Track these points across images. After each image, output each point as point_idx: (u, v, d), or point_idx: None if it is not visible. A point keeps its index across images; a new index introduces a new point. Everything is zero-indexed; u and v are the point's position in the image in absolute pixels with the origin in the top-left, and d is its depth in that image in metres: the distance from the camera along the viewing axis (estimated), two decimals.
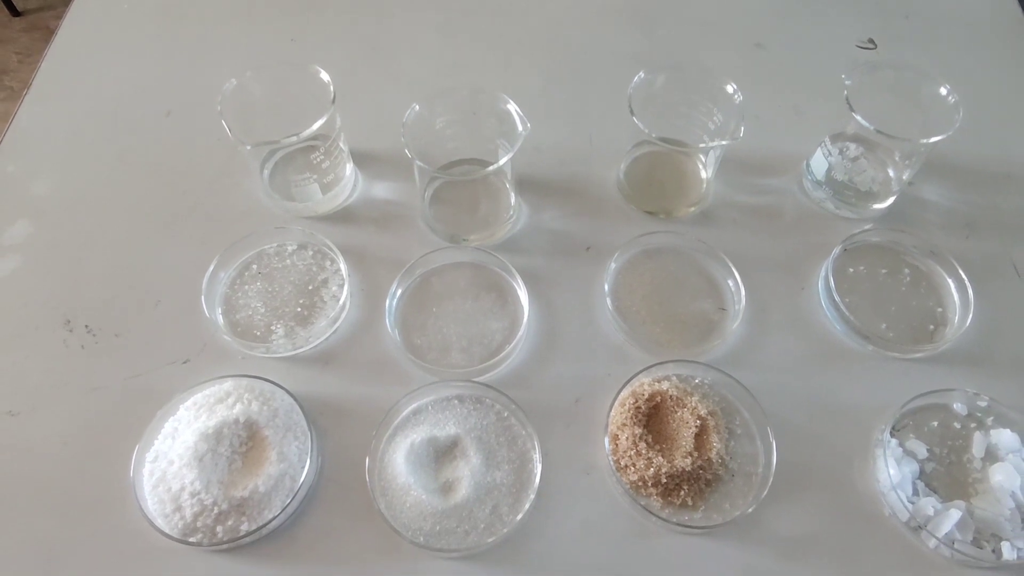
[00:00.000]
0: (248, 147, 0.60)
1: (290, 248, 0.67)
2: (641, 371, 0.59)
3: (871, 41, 0.82)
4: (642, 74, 0.64)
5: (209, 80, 0.79)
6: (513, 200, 0.68)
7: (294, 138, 0.61)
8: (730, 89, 0.63)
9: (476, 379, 0.60)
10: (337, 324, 0.63)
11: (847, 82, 0.63)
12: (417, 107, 0.62)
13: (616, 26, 0.85)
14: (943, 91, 0.62)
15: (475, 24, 0.85)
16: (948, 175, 0.72)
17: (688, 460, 0.55)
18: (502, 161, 0.59)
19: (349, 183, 0.70)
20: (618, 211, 0.70)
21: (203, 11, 0.86)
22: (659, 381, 0.59)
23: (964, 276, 0.64)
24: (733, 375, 0.59)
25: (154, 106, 0.77)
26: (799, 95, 0.78)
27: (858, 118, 0.61)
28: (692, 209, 0.70)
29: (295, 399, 0.58)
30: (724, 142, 0.61)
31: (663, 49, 0.83)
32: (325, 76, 0.63)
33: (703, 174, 0.70)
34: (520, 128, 0.60)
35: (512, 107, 0.61)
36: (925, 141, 0.60)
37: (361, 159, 0.73)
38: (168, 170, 0.73)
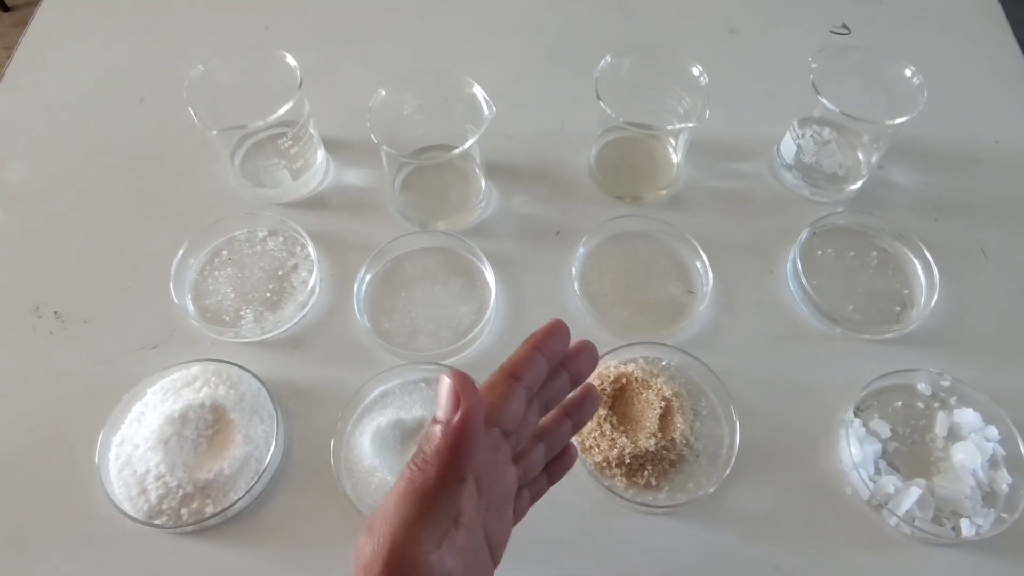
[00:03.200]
0: (215, 132, 0.60)
1: (261, 234, 0.67)
2: (607, 353, 0.59)
3: (844, 26, 0.82)
4: (608, 58, 0.64)
5: (183, 68, 0.78)
6: (483, 185, 0.68)
7: (261, 123, 0.61)
8: (695, 71, 0.63)
9: (443, 362, 0.60)
10: (306, 309, 0.64)
11: (813, 65, 0.63)
12: (383, 92, 0.62)
13: (591, 12, 0.85)
14: (908, 73, 0.62)
15: (452, 10, 0.85)
16: (919, 159, 0.72)
17: (652, 441, 0.55)
18: (467, 144, 0.59)
19: (320, 169, 0.71)
20: (588, 196, 0.70)
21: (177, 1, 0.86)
22: (625, 364, 0.60)
23: (930, 258, 0.64)
24: (699, 357, 0.59)
25: (128, 93, 0.77)
26: (772, 80, 0.78)
27: (823, 101, 0.61)
28: (663, 193, 0.70)
29: (262, 383, 0.58)
30: (690, 125, 0.61)
31: (638, 35, 0.83)
32: (292, 61, 0.63)
33: (673, 158, 0.70)
34: (486, 112, 0.60)
35: (478, 91, 0.61)
36: (890, 123, 0.60)
37: (333, 146, 0.73)
38: (140, 157, 0.73)
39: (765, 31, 0.83)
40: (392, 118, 0.64)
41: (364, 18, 0.84)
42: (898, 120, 0.60)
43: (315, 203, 0.70)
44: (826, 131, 0.69)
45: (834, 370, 0.61)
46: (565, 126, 0.75)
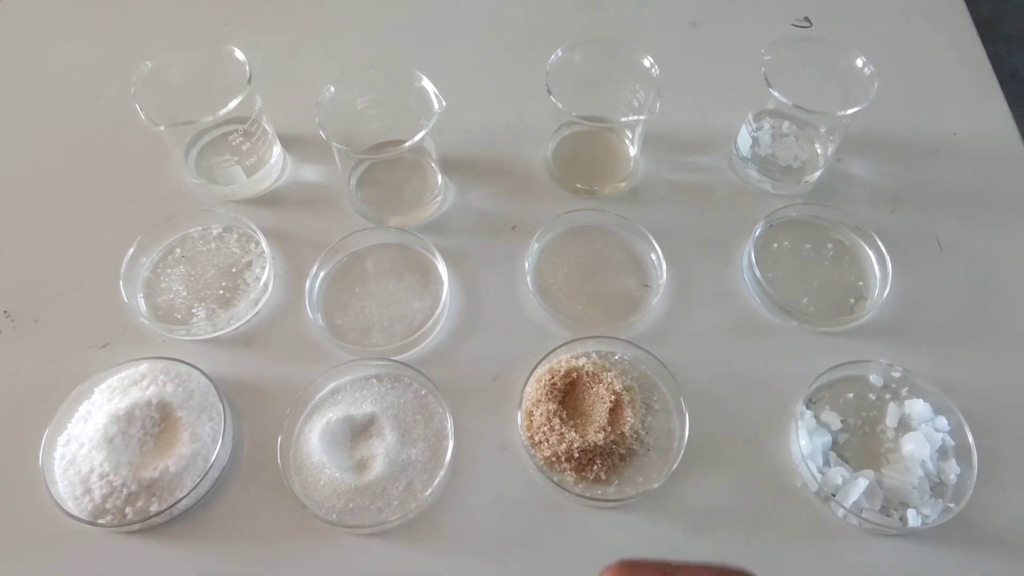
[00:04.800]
0: (162, 128, 0.60)
1: (215, 231, 0.67)
2: (558, 347, 0.59)
3: (806, 19, 0.82)
4: (560, 52, 0.64)
5: (142, 64, 0.79)
6: (439, 180, 0.68)
7: (210, 119, 0.60)
8: (647, 63, 0.63)
9: (396, 358, 0.60)
10: (259, 306, 0.63)
11: (766, 58, 0.63)
12: (332, 88, 0.61)
13: (551, 5, 0.85)
14: (859, 63, 0.62)
15: (414, 3, 0.85)
16: (877, 150, 0.72)
17: (601, 435, 0.55)
18: (415, 139, 0.59)
19: (276, 166, 0.70)
20: (546, 190, 0.70)
21: None
22: (577, 358, 0.59)
23: (884, 250, 0.64)
24: (651, 351, 0.59)
25: (84, 90, 0.77)
26: (733, 73, 0.78)
27: (775, 93, 0.61)
28: (621, 185, 0.70)
29: (211, 380, 0.57)
30: (641, 117, 0.61)
31: (600, 27, 0.83)
32: (241, 56, 0.63)
33: (630, 151, 0.70)
34: (436, 107, 0.60)
35: (428, 85, 0.61)
36: (841, 114, 0.60)
37: (290, 142, 0.73)
38: (96, 154, 0.72)
39: (726, 24, 0.83)
40: (345, 114, 0.64)
41: (325, 12, 0.84)
42: (849, 111, 0.60)
43: (271, 200, 0.70)
44: (785, 124, 0.69)
45: (787, 362, 0.61)
46: (524, 120, 0.74)
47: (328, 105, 0.61)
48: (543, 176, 0.71)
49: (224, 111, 0.60)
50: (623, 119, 0.64)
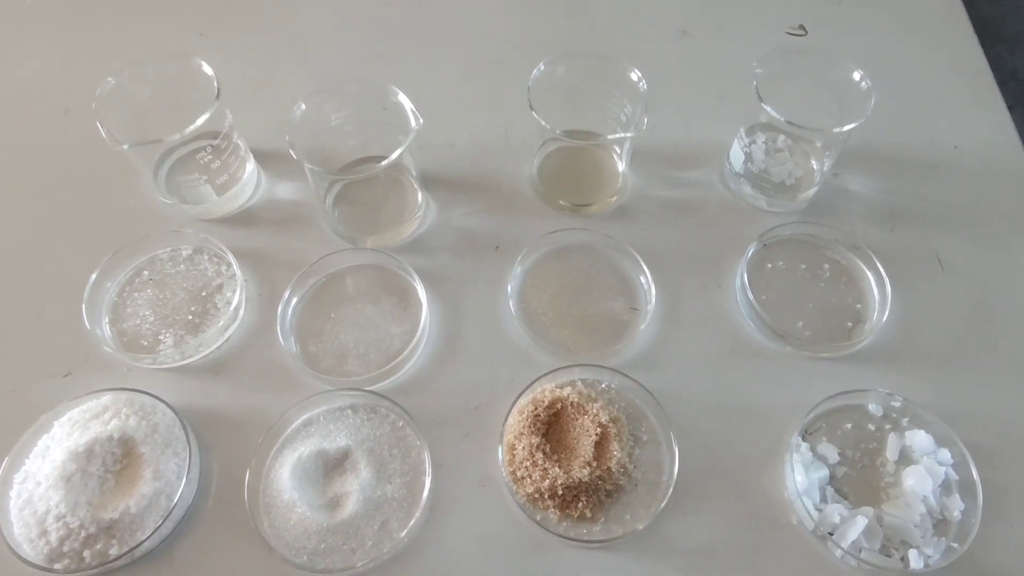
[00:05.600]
0: (125, 147, 0.57)
1: (184, 253, 0.64)
2: (542, 375, 0.56)
3: (801, 27, 0.79)
4: (542, 66, 0.61)
5: (103, 81, 0.76)
6: (420, 198, 0.65)
7: (176, 136, 0.57)
8: (634, 77, 0.60)
9: (372, 387, 0.57)
10: (229, 332, 0.60)
11: (758, 70, 0.61)
12: (303, 106, 0.58)
13: (538, 15, 0.82)
14: (856, 76, 0.59)
15: (394, 13, 0.82)
16: (874, 165, 0.69)
17: (586, 471, 0.52)
18: (391, 158, 0.56)
19: (250, 183, 0.67)
20: (531, 208, 0.67)
21: (109, 4, 0.82)
22: (561, 387, 0.57)
23: (883, 270, 0.61)
24: (639, 379, 0.56)
25: (52, 104, 0.74)
26: (725, 84, 0.75)
27: (767, 108, 0.58)
28: (611, 201, 0.67)
29: (176, 413, 0.55)
30: (628, 135, 0.58)
31: (587, 38, 0.80)
32: (208, 70, 0.60)
33: (618, 167, 0.67)
34: (413, 124, 0.57)
35: (404, 100, 0.58)
36: (837, 130, 0.57)
37: (265, 158, 0.70)
38: (62, 171, 0.69)
39: (718, 33, 0.80)
40: (319, 131, 0.61)
41: (302, 21, 0.81)
42: (845, 128, 0.57)
43: (244, 219, 0.67)
44: (780, 138, 0.66)
45: (781, 391, 0.58)
46: (509, 134, 0.72)
47: (299, 123, 0.58)
48: (528, 193, 0.68)
49: (191, 128, 0.57)
50: (610, 136, 0.61)
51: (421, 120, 0.57)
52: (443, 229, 0.66)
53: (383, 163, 0.57)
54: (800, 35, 0.79)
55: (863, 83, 0.59)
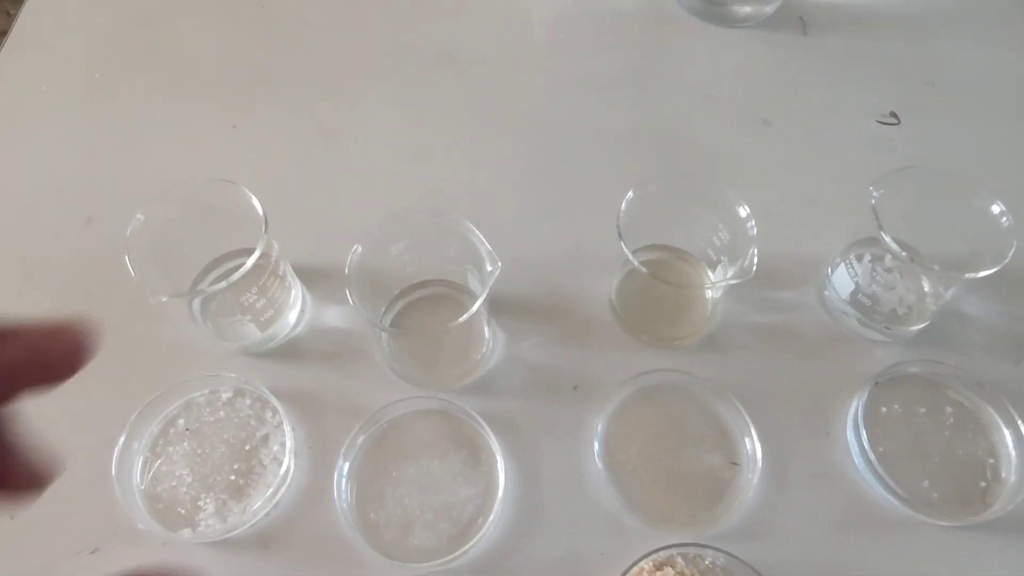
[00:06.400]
0: (164, 299, 0.50)
1: (224, 396, 0.57)
2: (638, 560, 0.49)
3: (893, 115, 0.72)
4: (631, 193, 0.53)
5: (138, 180, 0.69)
6: (487, 332, 0.58)
7: (222, 285, 0.50)
8: (743, 213, 0.53)
9: (442, 563, 0.50)
10: (279, 496, 0.53)
11: (875, 194, 0.53)
12: (360, 249, 0.51)
13: (607, 102, 0.75)
14: (995, 210, 0.52)
15: (444, 102, 0.75)
16: (995, 284, 0.62)
17: None
18: (468, 314, 0.49)
19: (295, 309, 0.60)
20: (611, 337, 0.60)
21: (134, 95, 0.75)
22: (660, 568, 0.50)
23: (1015, 414, 0.54)
24: (745, 554, 0.49)
25: (73, 210, 0.67)
26: (815, 181, 0.68)
27: (887, 240, 0.51)
28: (700, 331, 0.60)
29: None
30: (731, 280, 0.51)
31: (660, 127, 0.72)
32: (256, 203, 0.53)
33: (708, 292, 0.60)
34: (489, 267, 0.50)
35: (478, 238, 0.51)
36: (971, 276, 0.50)
37: (310, 276, 0.63)
38: (83, 292, 0.62)
39: (802, 122, 0.72)
40: (376, 262, 0.54)
41: (345, 114, 0.74)
42: (980, 274, 0.50)
43: (289, 352, 0.60)
44: (888, 257, 0.59)
45: (905, 571, 0.51)
46: (580, 247, 0.64)
47: (357, 266, 0.51)
48: (606, 318, 0.61)
49: (237, 276, 0.50)
50: (707, 285, 0.54)
51: (499, 263, 0.50)
52: (513, 365, 0.59)
53: (455, 323, 0.49)
54: (893, 123, 0.72)
55: (1004, 220, 0.51)
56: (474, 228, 0.51)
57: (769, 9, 0.79)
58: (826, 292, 0.61)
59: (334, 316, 0.61)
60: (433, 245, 0.55)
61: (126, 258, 0.50)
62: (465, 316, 0.49)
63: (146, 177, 0.68)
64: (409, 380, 0.58)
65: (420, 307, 0.61)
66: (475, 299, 0.57)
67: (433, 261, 0.57)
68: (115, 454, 0.52)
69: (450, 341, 0.58)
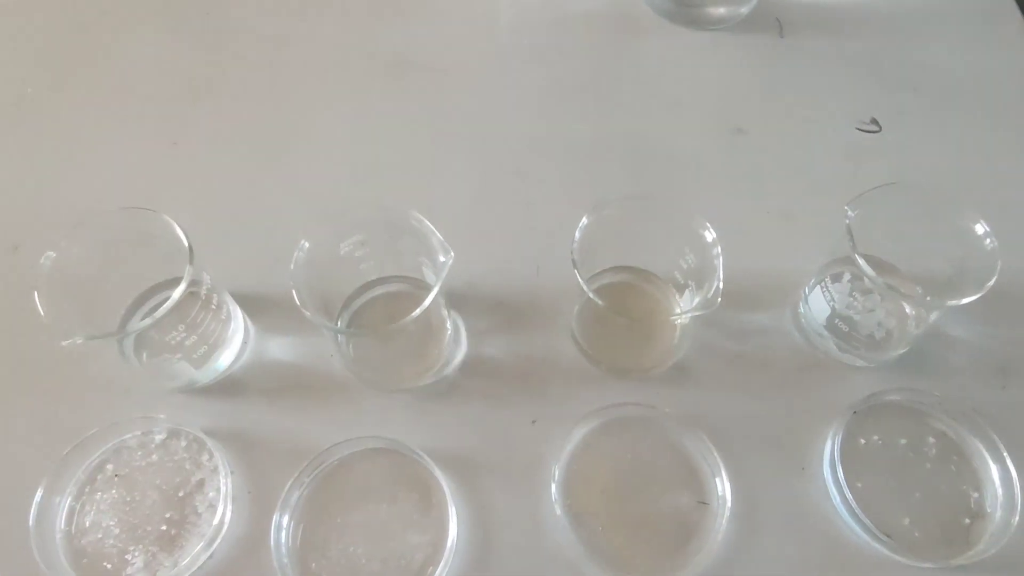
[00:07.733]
0: (79, 340, 0.46)
1: (157, 438, 0.53)
2: None
3: (874, 122, 0.68)
4: (585, 219, 0.49)
5: (72, 203, 0.65)
6: (448, 325, 0.55)
7: (147, 322, 0.46)
8: (708, 238, 0.49)
9: None
10: (213, 547, 0.49)
11: (850, 214, 0.50)
12: (307, 244, 0.48)
13: (572, 111, 0.71)
14: (979, 230, 0.48)
15: (399, 114, 0.70)
16: (979, 305, 0.58)
17: None
18: (423, 306, 0.45)
19: (235, 343, 0.56)
20: (572, 368, 0.56)
21: (70, 111, 0.70)
22: None
23: (1000, 444, 0.51)
24: None
25: None
26: (791, 194, 0.65)
27: (863, 265, 0.47)
28: (667, 363, 0.56)
29: None
30: (696, 311, 0.47)
31: (628, 137, 0.68)
32: (178, 230, 0.48)
33: (676, 320, 0.56)
34: (442, 258, 0.47)
35: (428, 229, 0.48)
36: (952, 303, 0.47)
37: (253, 304, 0.59)
38: (6, 325, 0.58)
39: (778, 130, 0.69)
40: (325, 263, 0.50)
41: (289, 122, 0.69)
42: (964, 300, 0.46)
43: (230, 388, 0.56)
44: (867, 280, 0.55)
45: None
46: (541, 269, 0.61)
47: (304, 265, 0.47)
48: (568, 347, 0.57)
49: (161, 312, 0.46)
50: (674, 316, 0.51)
51: (452, 253, 0.46)
52: (467, 397, 0.55)
53: (412, 315, 0.45)
54: (873, 131, 0.68)
55: (988, 241, 0.48)
56: (423, 219, 0.48)
57: (744, 10, 0.75)
58: (801, 314, 0.57)
59: (279, 348, 0.57)
60: (383, 240, 0.52)
61: (35, 296, 0.46)
62: (419, 310, 0.45)
63: (81, 200, 0.64)
64: (372, 383, 0.54)
65: (377, 305, 0.58)
66: (439, 305, 0.53)
67: (386, 257, 0.54)
68: (34, 503, 0.49)
69: (409, 336, 0.54)
